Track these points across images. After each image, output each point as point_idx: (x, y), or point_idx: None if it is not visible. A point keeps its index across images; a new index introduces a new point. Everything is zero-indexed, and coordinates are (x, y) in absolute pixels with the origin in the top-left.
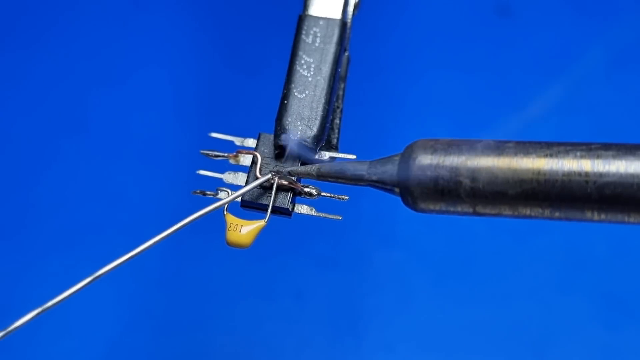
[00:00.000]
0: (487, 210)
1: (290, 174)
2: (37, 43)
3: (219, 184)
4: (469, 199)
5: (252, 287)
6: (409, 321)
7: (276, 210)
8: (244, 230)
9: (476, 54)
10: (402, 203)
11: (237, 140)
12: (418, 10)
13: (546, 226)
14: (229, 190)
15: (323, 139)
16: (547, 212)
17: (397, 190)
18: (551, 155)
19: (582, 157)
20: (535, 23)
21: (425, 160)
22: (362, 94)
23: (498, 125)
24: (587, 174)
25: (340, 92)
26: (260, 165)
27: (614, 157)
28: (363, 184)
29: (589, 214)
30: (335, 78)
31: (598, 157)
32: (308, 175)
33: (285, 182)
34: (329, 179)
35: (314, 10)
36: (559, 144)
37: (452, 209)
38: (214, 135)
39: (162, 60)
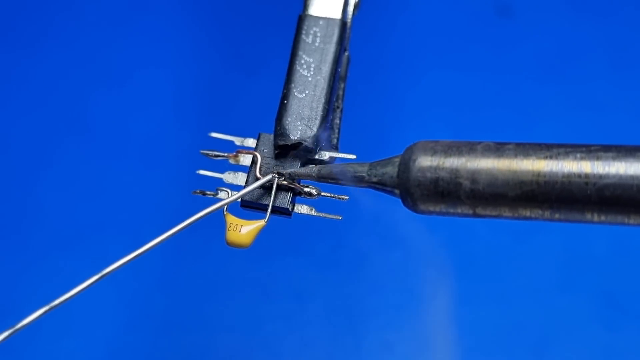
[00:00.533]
0: (487, 212)
1: (290, 175)
2: (36, 44)
3: (219, 184)
4: (469, 200)
5: (252, 287)
6: (409, 321)
7: (276, 210)
8: (244, 230)
9: (476, 54)
10: (402, 204)
11: (237, 140)
12: (418, 11)
13: (546, 227)
14: (229, 190)
15: (323, 139)
16: (547, 213)
17: (397, 191)
18: (551, 157)
19: (581, 158)
20: (535, 23)
21: (425, 162)
22: (362, 94)
23: (498, 126)
24: (586, 175)
25: (340, 92)
26: (260, 165)
27: (614, 158)
28: (363, 185)
29: (588, 216)
30: (335, 78)
31: (598, 158)
32: (308, 176)
33: (285, 182)
34: (329, 181)
35: (314, 10)
36: (559, 145)
37: (452, 210)
38: (214, 135)
39: (162, 60)
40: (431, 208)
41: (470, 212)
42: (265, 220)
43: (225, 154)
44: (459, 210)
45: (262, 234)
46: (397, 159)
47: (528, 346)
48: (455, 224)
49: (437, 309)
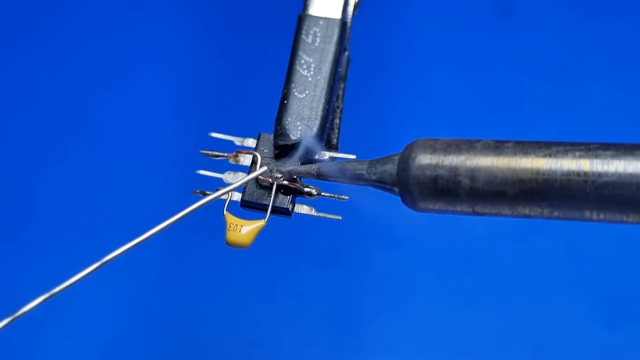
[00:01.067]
0: (487, 210)
1: (290, 173)
2: (36, 46)
3: (219, 184)
4: (468, 198)
5: (252, 287)
6: (409, 321)
7: (276, 210)
8: (243, 230)
9: (476, 54)
10: (401, 202)
11: (237, 140)
12: (418, 10)
13: (546, 226)
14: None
15: (323, 139)
16: (546, 211)
17: (396, 189)
18: (550, 155)
19: (581, 157)
20: (535, 23)
21: (425, 159)
22: (362, 94)
23: (497, 124)
24: (585, 173)
25: (340, 92)
26: (260, 165)
27: (613, 157)
28: (363, 183)
29: (587, 214)
30: (335, 78)
31: (597, 157)
32: (308, 174)
33: (285, 183)
34: (329, 179)
35: (314, 10)
36: (558, 143)
37: (451, 208)
38: (214, 135)
39: (162, 60)
40: (430, 206)
41: (470, 210)
42: (265, 220)
43: (225, 154)
44: (459, 208)
45: (262, 234)
46: (397, 157)
47: (528, 346)
48: (455, 223)
49: (437, 309)
